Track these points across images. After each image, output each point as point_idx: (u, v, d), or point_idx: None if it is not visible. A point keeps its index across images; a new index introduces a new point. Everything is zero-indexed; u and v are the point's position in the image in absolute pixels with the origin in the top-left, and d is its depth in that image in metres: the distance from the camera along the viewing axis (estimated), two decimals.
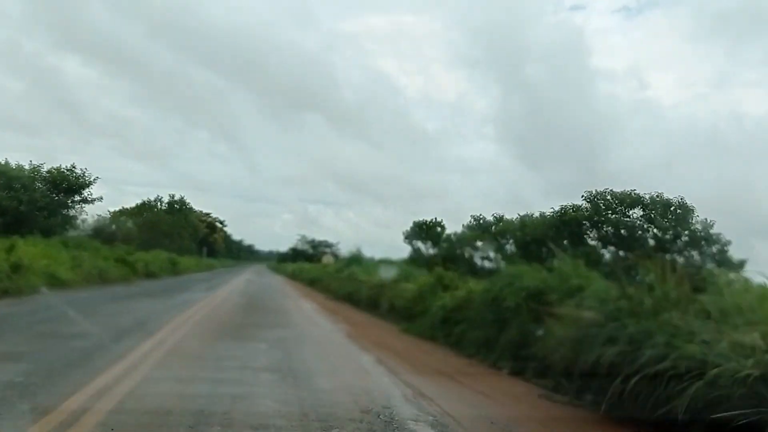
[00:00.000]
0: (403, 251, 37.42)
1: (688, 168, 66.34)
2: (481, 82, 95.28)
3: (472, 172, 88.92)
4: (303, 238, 79.77)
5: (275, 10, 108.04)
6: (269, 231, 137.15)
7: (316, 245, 77.03)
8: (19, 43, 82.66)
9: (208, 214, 75.46)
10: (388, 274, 17.16)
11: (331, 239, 79.31)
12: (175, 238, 51.94)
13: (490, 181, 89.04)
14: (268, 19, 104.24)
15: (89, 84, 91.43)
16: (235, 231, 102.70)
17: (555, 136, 74.45)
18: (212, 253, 75.52)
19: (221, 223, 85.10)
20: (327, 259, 23.08)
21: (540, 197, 76.60)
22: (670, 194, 29.70)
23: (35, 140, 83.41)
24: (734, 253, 27.47)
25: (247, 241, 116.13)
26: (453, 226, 38.85)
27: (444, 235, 37.30)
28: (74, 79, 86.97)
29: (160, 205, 58.44)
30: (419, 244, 37.52)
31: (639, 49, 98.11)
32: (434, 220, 38.63)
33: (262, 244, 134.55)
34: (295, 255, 76.10)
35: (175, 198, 59.67)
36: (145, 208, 55.80)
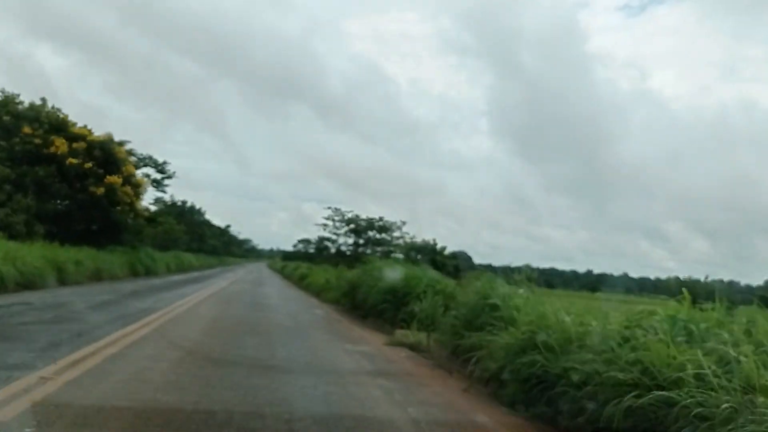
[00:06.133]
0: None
1: (693, 160, 64.64)
2: (489, 76, 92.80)
3: (470, 167, 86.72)
4: (338, 212, 37.53)
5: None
6: (266, 229, 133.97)
7: (362, 228, 36.81)
8: None
9: (86, 127, 27.64)
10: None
11: (388, 216, 37.36)
12: None
13: (488, 176, 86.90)
14: (246, 6, 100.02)
15: (63, 73, 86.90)
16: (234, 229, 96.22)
17: (556, 129, 72.55)
18: (114, 233, 28.28)
19: (159, 168, 35.97)
20: None
21: (540, 192, 74.67)
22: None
23: None
24: None
25: (244, 236, 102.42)
26: None
27: None
28: (48, 68, 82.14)
29: None
30: None
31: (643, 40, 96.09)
32: None
33: (261, 242, 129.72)
34: (318, 250, 40.47)
35: None
36: None
